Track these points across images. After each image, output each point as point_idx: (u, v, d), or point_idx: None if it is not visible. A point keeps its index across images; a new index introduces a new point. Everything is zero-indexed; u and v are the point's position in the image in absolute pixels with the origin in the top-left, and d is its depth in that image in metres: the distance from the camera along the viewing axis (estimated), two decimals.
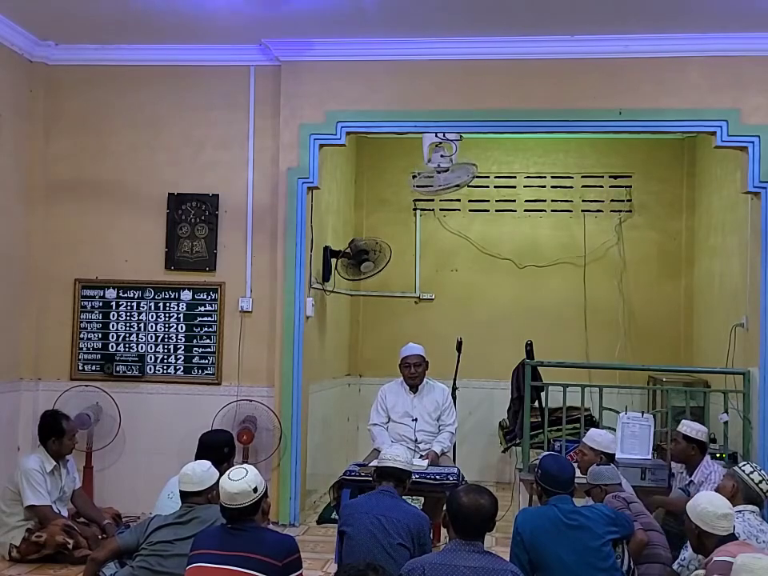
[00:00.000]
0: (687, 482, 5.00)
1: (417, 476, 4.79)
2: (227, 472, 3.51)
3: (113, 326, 6.39)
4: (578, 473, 4.41)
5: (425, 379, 5.90)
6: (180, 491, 3.89)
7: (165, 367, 6.34)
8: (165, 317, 6.36)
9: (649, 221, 8.18)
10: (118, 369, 6.33)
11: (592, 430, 5.19)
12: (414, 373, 5.82)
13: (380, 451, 4.67)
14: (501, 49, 5.96)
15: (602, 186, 8.23)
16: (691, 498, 4.02)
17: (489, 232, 8.30)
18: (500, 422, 7.37)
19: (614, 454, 5.01)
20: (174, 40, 6.16)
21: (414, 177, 6.71)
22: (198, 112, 6.35)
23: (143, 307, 6.38)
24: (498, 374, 7.67)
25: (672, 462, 5.40)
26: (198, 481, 3.86)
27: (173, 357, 6.33)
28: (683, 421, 5.23)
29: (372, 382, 7.82)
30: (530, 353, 6.42)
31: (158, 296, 6.36)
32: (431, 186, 6.78)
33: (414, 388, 5.86)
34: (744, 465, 4.38)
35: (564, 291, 8.07)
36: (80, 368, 6.38)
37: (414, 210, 8.39)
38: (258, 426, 6.05)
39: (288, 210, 6.13)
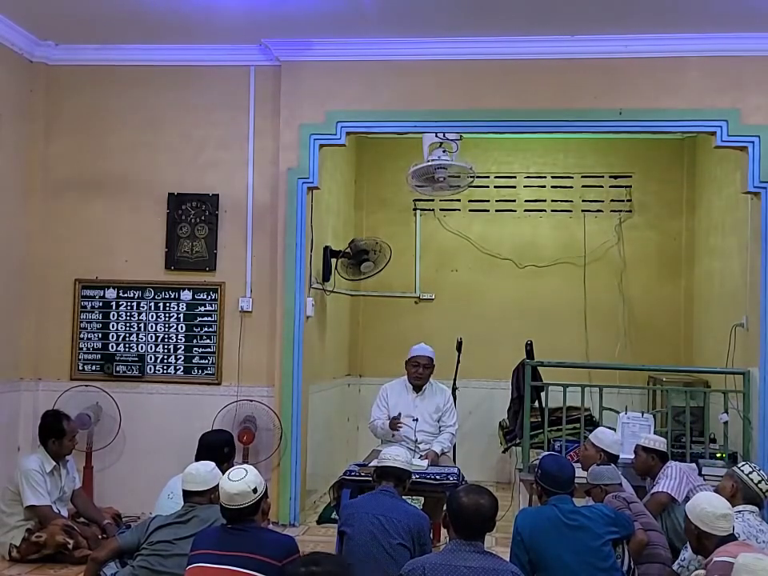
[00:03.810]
0: (651, 488, 5.00)
1: (417, 476, 4.79)
2: (227, 472, 3.52)
3: (113, 326, 6.39)
4: (579, 472, 4.41)
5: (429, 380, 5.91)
6: (183, 490, 3.91)
7: (165, 367, 6.34)
8: (165, 317, 6.36)
9: (649, 221, 8.18)
10: (117, 369, 6.33)
11: (600, 427, 5.22)
12: (421, 374, 5.82)
13: (381, 450, 4.66)
14: (501, 49, 5.96)
15: (602, 186, 8.23)
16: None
17: (489, 232, 8.30)
18: (500, 422, 7.37)
19: (618, 456, 5.01)
20: (174, 40, 6.16)
21: (411, 174, 6.67)
22: (198, 112, 6.35)
23: (143, 307, 6.38)
24: (498, 374, 7.68)
25: None
26: (202, 480, 3.87)
27: (173, 357, 6.33)
28: (642, 434, 5.29)
29: (372, 381, 7.83)
30: (530, 353, 6.42)
31: (158, 296, 6.36)
32: (428, 186, 6.76)
33: (417, 388, 5.87)
34: (743, 465, 4.39)
35: (564, 291, 8.07)
36: (80, 368, 6.38)
37: (414, 210, 8.40)
38: (258, 426, 6.05)
39: (288, 210, 6.13)
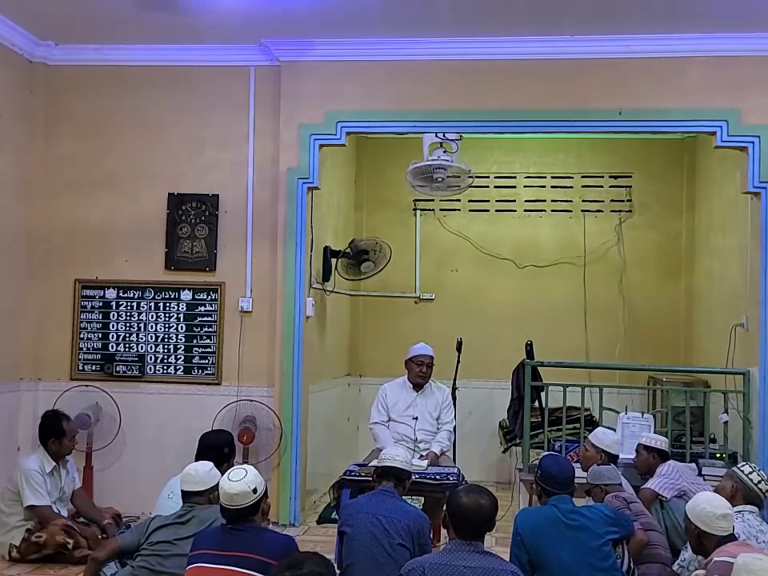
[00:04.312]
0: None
1: (417, 476, 4.80)
2: (227, 473, 3.52)
3: (113, 326, 6.39)
4: (579, 472, 4.41)
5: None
6: (182, 491, 3.91)
7: (165, 367, 6.34)
8: (165, 317, 6.36)
9: (649, 221, 8.18)
10: (118, 369, 6.33)
11: (599, 428, 5.23)
12: (425, 372, 5.86)
13: (381, 450, 4.67)
14: (501, 49, 5.96)
15: (602, 186, 8.23)
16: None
17: (489, 232, 8.30)
18: (500, 422, 7.37)
19: (617, 456, 5.02)
20: (174, 40, 6.16)
21: (410, 173, 6.65)
22: (198, 112, 6.35)
23: (143, 307, 6.38)
24: (498, 374, 7.68)
25: None
26: (200, 481, 3.87)
27: (173, 357, 6.33)
28: (642, 434, 5.33)
29: (372, 381, 7.83)
30: (530, 353, 6.41)
31: (158, 296, 6.36)
32: (426, 186, 6.76)
33: (418, 387, 5.89)
34: (743, 465, 4.39)
35: (564, 291, 8.08)
36: (80, 368, 6.38)
37: (414, 210, 8.40)
38: (258, 426, 6.05)
39: (288, 210, 6.14)
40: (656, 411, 6.45)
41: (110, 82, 6.42)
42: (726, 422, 5.73)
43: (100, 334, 6.40)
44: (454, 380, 6.82)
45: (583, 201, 8.24)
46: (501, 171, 8.31)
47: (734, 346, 6.16)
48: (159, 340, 6.36)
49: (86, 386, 6.22)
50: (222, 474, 3.61)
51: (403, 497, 4.22)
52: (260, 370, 6.22)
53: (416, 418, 5.77)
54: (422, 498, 5.57)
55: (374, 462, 4.50)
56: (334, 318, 7.49)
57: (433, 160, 6.52)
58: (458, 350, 6.92)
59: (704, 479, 5.25)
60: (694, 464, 5.53)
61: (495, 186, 8.32)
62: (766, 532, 4.04)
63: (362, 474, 5.04)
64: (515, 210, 8.33)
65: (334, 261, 7.07)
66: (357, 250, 7.19)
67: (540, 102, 5.98)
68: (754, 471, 4.27)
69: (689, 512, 3.68)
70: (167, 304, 6.36)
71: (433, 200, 8.16)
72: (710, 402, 5.90)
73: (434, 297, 8.36)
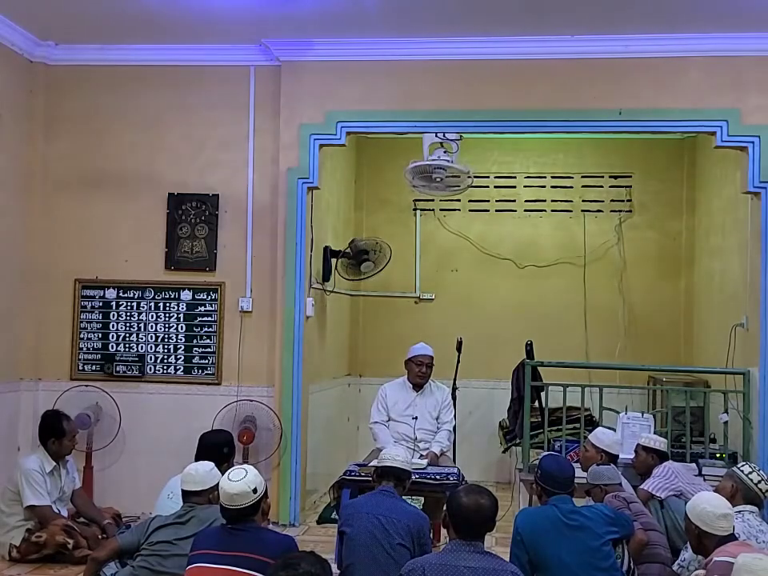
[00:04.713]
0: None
1: (417, 476, 4.80)
2: (227, 473, 3.52)
3: (113, 326, 6.40)
4: (578, 472, 4.41)
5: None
6: (182, 491, 3.91)
7: (165, 367, 6.34)
8: (165, 317, 6.36)
9: (649, 221, 8.18)
10: (118, 369, 6.33)
11: (599, 428, 5.23)
12: (424, 372, 5.88)
13: (381, 450, 4.67)
14: (501, 49, 5.97)
15: (602, 186, 8.23)
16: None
17: (489, 232, 8.30)
18: (500, 422, 7.38)
19: (617, 456, 5.02)
20: (174, 40, 6.17)
21: (409, 171, 6.64)
22: (198, 112, 6.35)
23: (143, 307, 6.38)
24: (498, 374, 7.68)
25: None
26: (200, 481, 3.87)
27: (173, 357, 6.34)
28: (642, 434, 5.32)
29: (372, 382, 7.83)
30: (530, 353, 6.41)
31: (158, 296, 6.36)
32: (426, 186, 6.76)
33: (418, 387, 5.90)
34: (743, 465, 4.39)
35: (564, 291, 8.08)
36: (80, 368, 6.38)
37: (414, 210, 8.40)
38: (258, 426, 6.05)
39: (288, 210, 6.14)
40: (656, 411, 6.45)
41: (110, 81, 6.42)
42: (726, 422, 5.73)
43: (100, 334, 6.40)
44: (454, 380, 6.82)
45: (583, 201, 8.24)
46: (501, 171, 8.31)
47: (733, 346, 6.16)
48: (159, 340, 6.36)
49: (86, 386, 6.22)
50: (222, 474, 3.61)
51: (403, 497, 4.23)
52: (260, 370, 6.22)
53: (416, 418, 5.78)
54: (422, 498, 5.57)
55: (374, 462, 4.50)
56: (333, 318, 7.49)
57: (433, 160, 6.52)
58: (458, 349, 6.92)
59: (704, 479, 5.26)
60: (693, 464, 5.54)
61: (495, 186, 8.32)
62: (766, 532, 4.04)
63: (362, 474, 5.04)
64: (515, 210, 8.32)
65: (334, 261, 7.07)
66: (357, 249, 7.19)
67: (540, 102, 5.98)
68: (753, 471, 4.27)
69: (689, 512, 3.68)
70: (167, 304, 6.36)
71: (433, 200, 8.16)
72: (710, 401, 5.90)
73: (433, 297, 8.36)
